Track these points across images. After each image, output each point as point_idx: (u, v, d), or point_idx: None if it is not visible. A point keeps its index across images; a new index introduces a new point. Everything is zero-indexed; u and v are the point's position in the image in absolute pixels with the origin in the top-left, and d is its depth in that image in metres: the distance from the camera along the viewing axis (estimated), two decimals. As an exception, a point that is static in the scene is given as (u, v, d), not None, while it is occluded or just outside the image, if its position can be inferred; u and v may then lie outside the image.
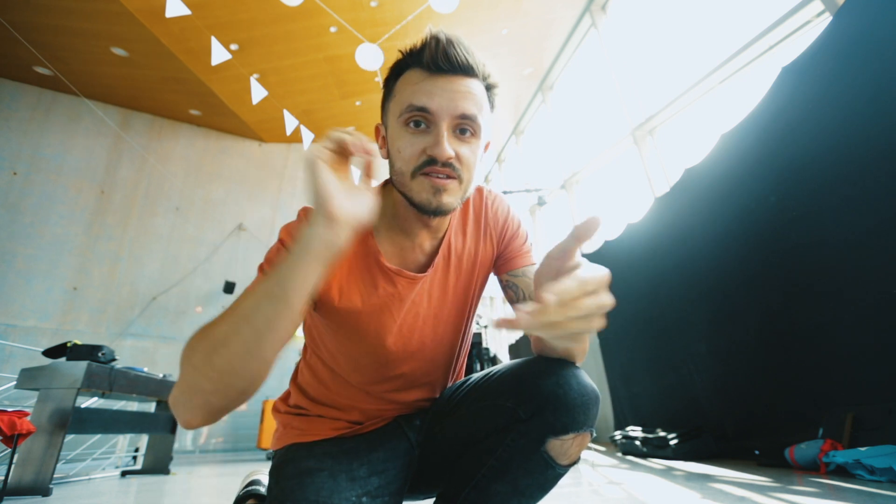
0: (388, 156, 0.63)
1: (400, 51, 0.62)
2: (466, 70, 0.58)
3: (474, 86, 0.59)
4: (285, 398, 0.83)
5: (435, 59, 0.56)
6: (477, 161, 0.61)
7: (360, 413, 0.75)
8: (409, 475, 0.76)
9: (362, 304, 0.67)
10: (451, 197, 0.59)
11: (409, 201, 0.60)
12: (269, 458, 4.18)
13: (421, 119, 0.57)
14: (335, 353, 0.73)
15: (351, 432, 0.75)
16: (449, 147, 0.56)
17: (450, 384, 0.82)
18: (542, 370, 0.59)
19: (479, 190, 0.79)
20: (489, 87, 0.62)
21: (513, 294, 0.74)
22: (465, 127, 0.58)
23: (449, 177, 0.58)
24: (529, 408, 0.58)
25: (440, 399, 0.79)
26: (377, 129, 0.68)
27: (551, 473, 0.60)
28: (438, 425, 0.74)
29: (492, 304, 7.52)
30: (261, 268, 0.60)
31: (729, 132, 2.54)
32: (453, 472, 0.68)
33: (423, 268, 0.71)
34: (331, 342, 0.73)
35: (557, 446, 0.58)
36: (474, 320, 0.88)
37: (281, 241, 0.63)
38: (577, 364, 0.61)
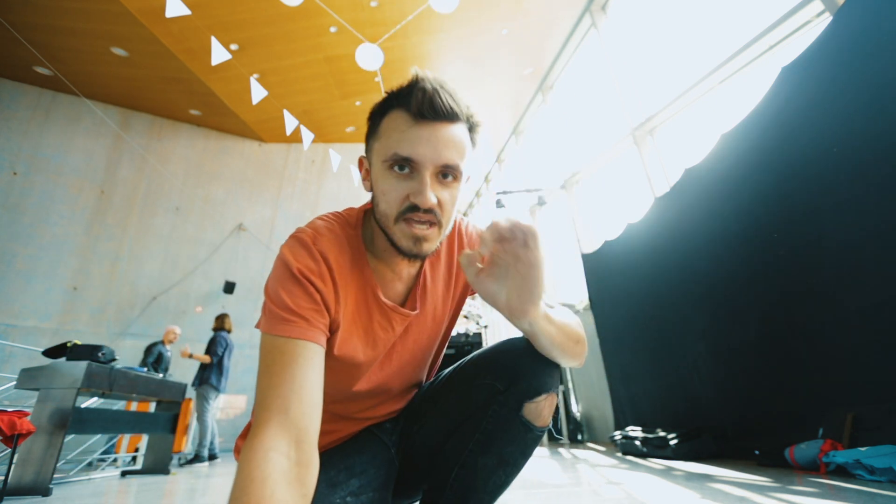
0: (370, 189, 0.66)
1: (387, 92, 0.64)
2: (451, 117, 0.59)
3: (458, 131, 0.61)
4: (244, 435, 0.77)
5: (421, 109, 0.58)
6: (456, 202, 0.64)
7: (329, 434, 0.76)
8: (393, 471, 0.78)
9: (363, 356, 0.69)
10: (431, 243, 0.63)
11: (391, 242, 0.63)
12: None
13: (405, 165, 0.59)
14: None
15: (321, 446, 0.72)
16: (432, 195, 0.59)
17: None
18: (509, 348, 0.69)
19: (456, 222, 0.80)
20: (472, 128, 0.64)
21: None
22: (447, 173, 0.61)
23: (430, 224, 0.61)
24: (505, 379, 0.66)
25: (411, 402, 0.82)
26: (361, 161, 0.70)
27: (530, 436, 0.68)
28: (417, 424, 0.78)
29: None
30: (265, 309, 0.59)
31: (729, 132, 2.54)
32: (441, 458, 0.71)
33: (402, 296, 0.75)
34: None
35: (532, 409, 0.66)
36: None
37: (293, 277, 0.60)
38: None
